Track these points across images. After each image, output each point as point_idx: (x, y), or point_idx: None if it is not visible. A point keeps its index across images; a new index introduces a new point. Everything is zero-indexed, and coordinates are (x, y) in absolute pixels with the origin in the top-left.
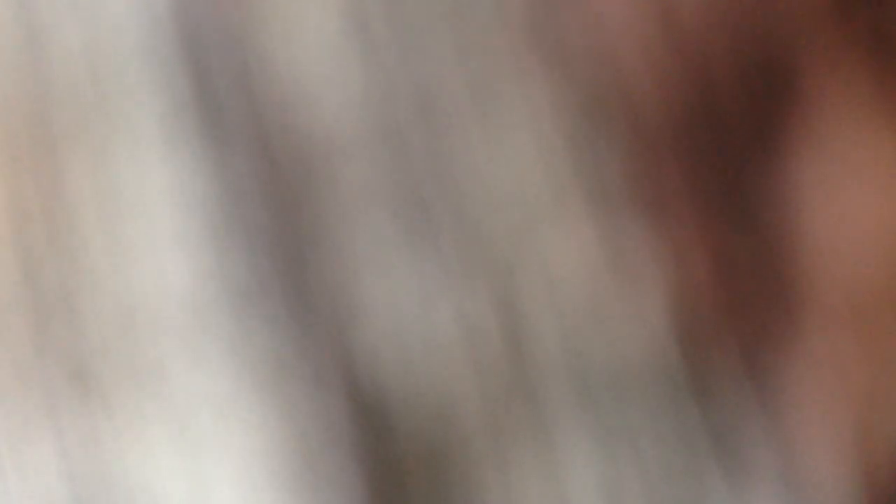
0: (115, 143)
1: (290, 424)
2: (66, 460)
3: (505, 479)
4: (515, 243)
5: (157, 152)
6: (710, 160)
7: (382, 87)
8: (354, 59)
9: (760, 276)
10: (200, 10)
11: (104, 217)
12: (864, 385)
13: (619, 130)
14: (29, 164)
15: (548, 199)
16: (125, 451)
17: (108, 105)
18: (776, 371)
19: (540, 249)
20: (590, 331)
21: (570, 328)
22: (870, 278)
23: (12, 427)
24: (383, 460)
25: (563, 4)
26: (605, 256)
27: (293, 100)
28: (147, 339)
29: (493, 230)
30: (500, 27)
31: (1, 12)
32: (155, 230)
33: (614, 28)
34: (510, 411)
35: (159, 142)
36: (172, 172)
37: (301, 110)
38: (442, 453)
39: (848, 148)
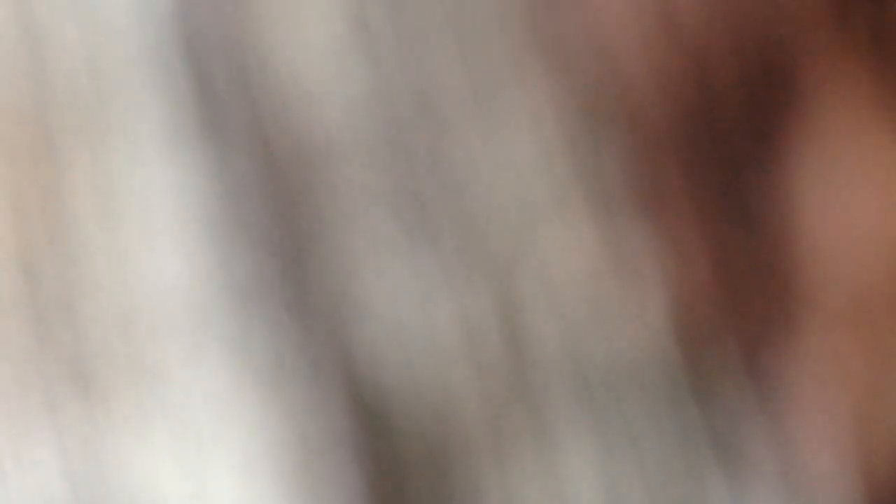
0: (115, 143)
1: (290, 424)
2: (66, 460)
3: (505, 479)
4: (515, 243)
5: (157, 152)
6: (710, 160)
7: (383, 88)
8: (355, 59)
9: (760, 276)
10: (201, 10)
11: (104, 217)
12: (863, 384)
13: (619, 130)
14: (29, 164)
15: (548, 199)
16: (125, 451)
17: (108, 105)
18: (776, 370)
19: (540, 249)
20: (590, 331)
21: (570, 328)
22: (869, 278)
23: (12, 427)
24: (383, 460)
25: (563, 4)
26: (605, 256)
27: (293, 100)
28: (147, 338)
29: (493, 230)
30: (500, 27)
31: (1, 12)
32: (155, 230)
33: (614, 28)
34: (510, 411)
35: (159, 142)
36: (172, 172)
37: (301, 111)
38: (442, 453)
39: (848, 147)
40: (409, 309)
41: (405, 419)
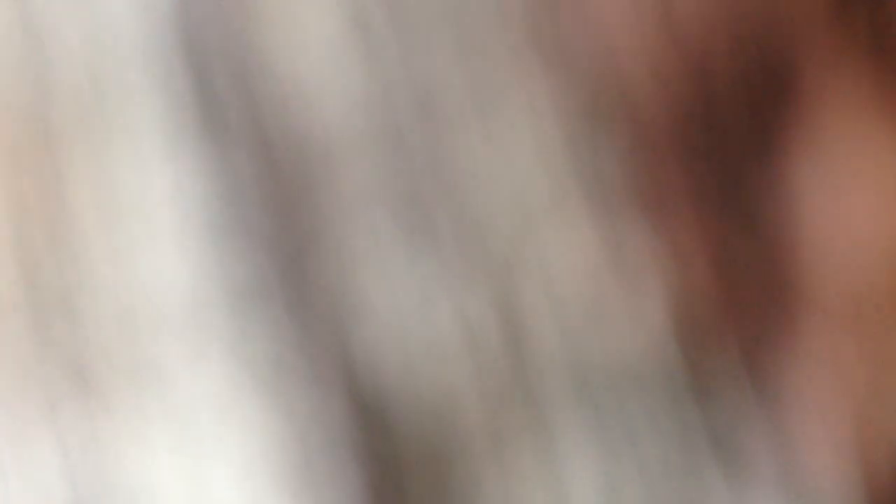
0: (115, 143)
1: (289, 424)
2: (66, 460)
3: (505, 478)
4: (515, 243)
5: (157, 152)
6: (710, 160)
7: (382, 87)
8: (354, 59)
9: (760, 276)
10: (201, 10)
11: (104, 217)
12: (863, 385)
13: (619, 130)
14: (29, 164)
15: (548, 199)
16: (125, 451)
17: (108, 105)
18: (776, 371)
19: (540, 249)
20: (590, 331)
21: (570, 328)
22: (869, 278)
23: (12, 427)
24: (383, 460)
25: (563, 4)
26: (605, 256)
27: (293, 100)
28: (147, 338)
29: (493, 230)
30: (500, 27)
31: (1, 12)
32: (155, 230)
33: (614, 28)
34: (510, 411)
35: (159, 142)
36: (172, 172)
37: (301, 110)
38: (442, 453)
39: (847, 148)
40: (409, 309)
41: (405, 419)
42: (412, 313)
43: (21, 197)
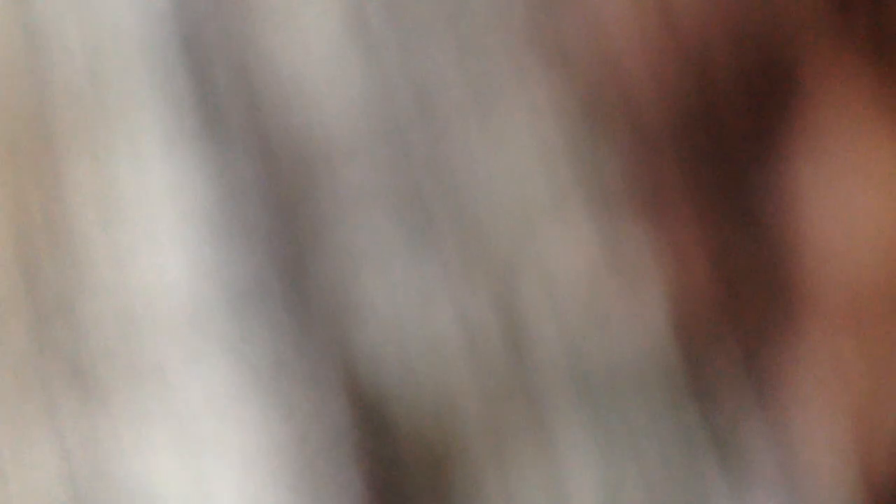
0: (115, 143)
1: (289, 424)
2: (66, 460)
3: (505, 479)
4: (515, 243)
5: (157, 152)
6: (709, 160)
7: (382, 87)
8: (354, 59)
9: (760, 276)
10: (201, 10)
11: (104, 217)
12: (863, 385)
13: (619, 130)
14: (29, 164)
15: (548, 199)
16: (125, 451)
17: (108, 105)
18: (776, 371)
19: (540, 249)
20: (590, 331)
21: (570, 328)
22: (869, 278)
23: (12, 427)
24: (383, 460)
25: (562, 4)
26: (605, 256)
27: (293, 100)
28: (147, 339)
29: (493, 230)
30: (500, 27)
31: (1, 12)
32: (155, 230)
33: (614, 28)
34: (510, 411)
35: (159, 142)
36: (172, 172)
37: (301, 110)
38: (442, 453)
39: (848, 147)
40: (409, 309)
41: (405, 419)
42: (412, 313)
43: (21, 197)
